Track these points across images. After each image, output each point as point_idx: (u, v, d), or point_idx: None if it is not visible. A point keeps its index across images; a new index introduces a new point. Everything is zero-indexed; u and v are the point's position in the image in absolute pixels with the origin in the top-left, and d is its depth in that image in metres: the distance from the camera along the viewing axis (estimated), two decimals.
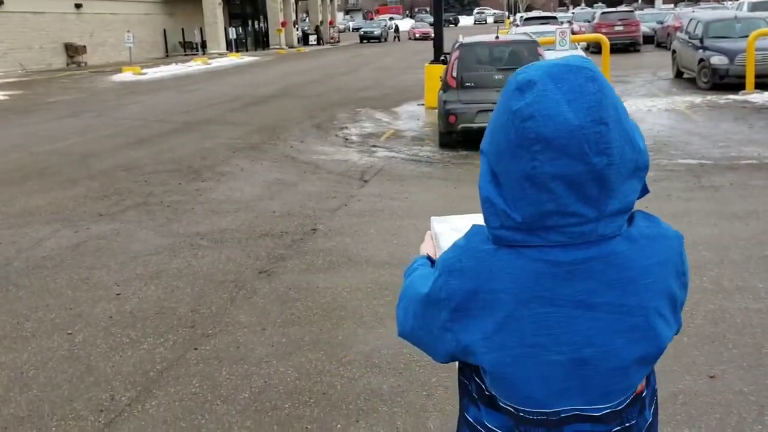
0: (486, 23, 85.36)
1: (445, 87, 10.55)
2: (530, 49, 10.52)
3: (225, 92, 19.80)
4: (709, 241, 5.75)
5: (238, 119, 14.37)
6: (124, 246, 6.19)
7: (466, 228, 1.57)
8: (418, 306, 1.24)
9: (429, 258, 1.49)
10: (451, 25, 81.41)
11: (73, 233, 6.62)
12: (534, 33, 13.74)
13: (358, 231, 6.53)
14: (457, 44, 10.94)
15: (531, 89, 1.06)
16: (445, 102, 10.31)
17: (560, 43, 14.33)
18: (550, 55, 11.07)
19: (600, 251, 1.10)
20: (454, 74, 10.38)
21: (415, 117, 14.04)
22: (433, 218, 1.64)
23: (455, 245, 1.20)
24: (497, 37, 10.95)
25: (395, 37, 54.31)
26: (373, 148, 10.87)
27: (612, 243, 1.11)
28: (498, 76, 10.32)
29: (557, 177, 1.05)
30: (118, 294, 5.04)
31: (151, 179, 8.91)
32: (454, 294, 1.15)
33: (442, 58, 13.54)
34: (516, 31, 17.07)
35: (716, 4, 46.33)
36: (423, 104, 15.15)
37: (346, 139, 11.73)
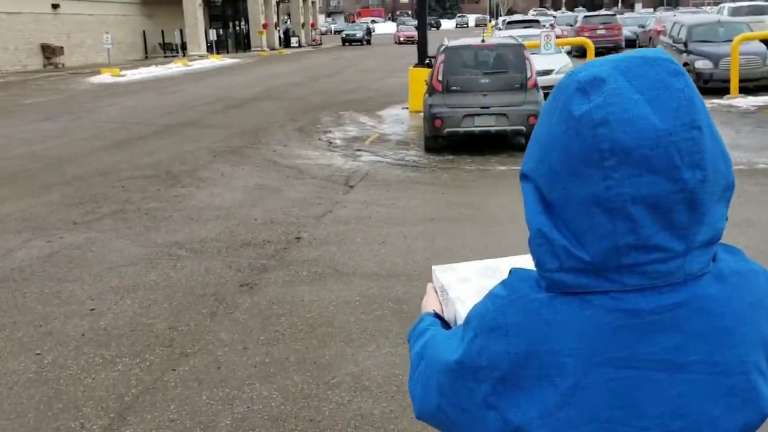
0: (468, 26, 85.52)
1: (431, 91, 10.37)
2: (516, 52, 10.36)
3: (206, 94, 19.47)
4: None
5: (219, 122, 14.08)
6: (99, 256, 5.90)
7: (476, 278, 1.32)
8: (444, 378, 0.98)
9: (437, 315, 1.25)
10: (433, 29, 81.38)
11: (45, 243, 6.31)
12: (518, 37, 13.56)
13: (344, 239, 6.30)
14: (443, 48, 10.76)
15: (599, 89, 0.83)
16: (430, 106, 10.14)
17: (545, 46, 14.20)
18: (535, 59, 10.91)
19: (688, 295, 0.87)
20: (440, 78, 10.19)
21: (400, 121, 13.85)
22: (435, 267, 1.39)
23: (493, 295, 0.95)
24: (483, 41, 10.77)
25: (367, 40, 53.98)
26: (358, 153, 10.66)
27: (701, 284, 0.88)
28: (484, 80, 10.18)
29: (638, 199, 0.82)
30: (91, 309, 4.76)
31: (128, 185, 8.60)
32: (498, 360, 0.90)
33: (427, 61, 13.34)
34: (500, 35, 16.90)
35: (695, 9, 46.71)
36: (407, 108, 14.97)
37: (330, 143, 11.51)
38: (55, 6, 33.43)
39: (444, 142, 10.35)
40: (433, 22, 78.70)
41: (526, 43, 11.69)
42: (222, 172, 9.33)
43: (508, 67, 10.30)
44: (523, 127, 9.98)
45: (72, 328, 4.46)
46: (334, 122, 13.76)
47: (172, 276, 5.39)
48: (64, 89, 22.04)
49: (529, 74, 10.10)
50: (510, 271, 0.97)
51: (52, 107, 17.20)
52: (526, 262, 1.37)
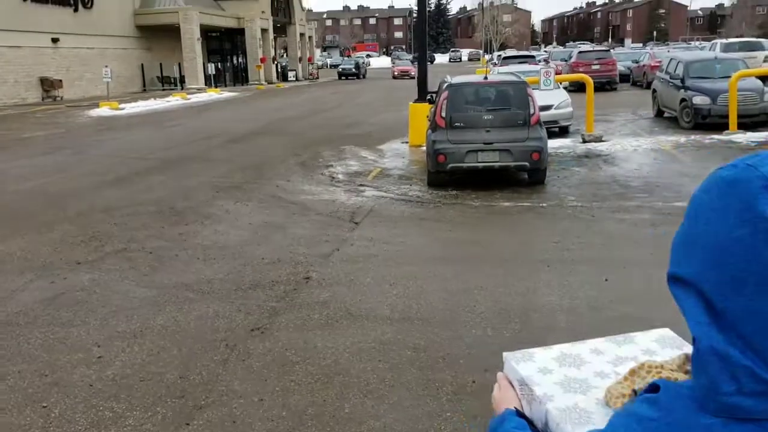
0: (461, 61, 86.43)
1: (434, 127, 10.34)
2: (519, 89, 10.35)
3: (205, 128, 19.41)
4: None
5: (220, 157, 13.99)
6: (105, 299, 5.72)
7: (558, 368, 1.18)
8: None
9: (519, 414, 1.11)
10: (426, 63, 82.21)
11: (48, 284, 6.13)
12: (518, 73, 13.60)
13: (354, 280, 6.15)
14: (446, 84, 10.74)
15: None
16: (434, 142, 10.09)
17: (545, 82, 14.23)
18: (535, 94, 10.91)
19: None
20: (443, 114, 10.16)
21: (401, 155, 13.79)
22: (507, 355, 1.24)
23: (638, 416, 0.80)
24: (486, 78, 10.77)
25: (363, 75, 54.60)
26: (361, 188, 10.55)
27: None
28: (487, 116, 10.15)
29: None
30: (99, 357, 4.57)
31: (131, 222, 8.45)
32: None
33: (429, 97, 13.32)
34: (498, 71, 16.96)
35: (686, 45, 47.28)
36: (407, 142, 14.94)
37: (333, 178, 11.41)
38: (55, 40, 33.53)
39: (447, 177, 10.28)
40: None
41: (525, 79, 11.71)
42: (226, 208, 9.20)
43: (511, 103, 10.29)
44: (526, 163, 9.94)
45: (79, 377, 4.28)
46: (336, 156, 13.69)
47: (180, 320, 5.21)
48: (63, 123, 21.95)
49: (532, 111, 10.08)
50: (655, 385, 0.84)
51: (51, 141, 17.09)
52: (606, 348, 1.24)
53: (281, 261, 6.75)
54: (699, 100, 14.94)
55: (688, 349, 1.11)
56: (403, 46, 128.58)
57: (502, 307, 5.36)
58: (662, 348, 1.21)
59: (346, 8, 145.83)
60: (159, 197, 9.97)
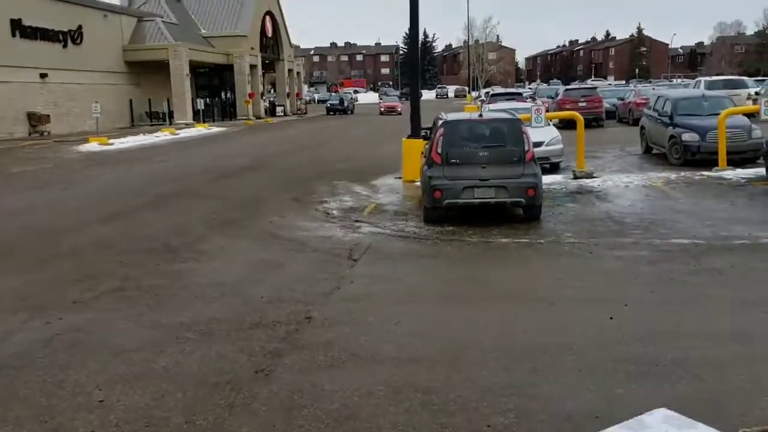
0: (447, 97, 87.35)
1: (430, 163, 10.36)
2: (513, 126, 10.42)
3: (195, 164, 19.39)
4: (734, 333, 5.42)
5: (212, 192, 13.93)
6: (103, 340, 5.58)
7: None
8: None
9: None
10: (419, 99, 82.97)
11: (44, 324, 5.98)
12: (510, 110, 13.71)
13: (357, 319, 6.05)
14: (441, 121, 10.79)
15: None
16: (430, 178, 10.10)
17: (536, 120, 14.38)
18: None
19: None
20: (440, 150, 10.19)
21: (395, 190, 13.80)
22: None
23: None
24: (481, 115, 10.85)
25: (351, 110, 55.24)
26: (357, 224, 10.50)
27: None
28: (483, 153, 10.18)
29: None
30: (100, 401, 4.43)
31: (126, 259, 8.32)
32: None
33: (424, 133, 13.38)
34: (488, 108, 17.10)
35: (669, 82, 48.12)
36: (401, 178, 14.96)
37: (328, 214, 11.36)
38: (43, 75, 33.51)
39: (443, 213, 10.27)
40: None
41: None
42: (221, 245, 9.10)
43: (506, 140, 10.34)
44: (522, 199, 9.96)
45: (81, 423, 4.13)
46: (329, 192, 13.66)
47: (182, 362, 5.09)
48: (52, 158, 21.80)
49: (526, 148, 10.13)
50: None
51: (41, 176, 16.95)
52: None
53: (281, 300, 6.64)
54: (688, 137, 15.12)
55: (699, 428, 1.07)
56: (390, 82, 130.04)
57: (510, 346, 5.28)
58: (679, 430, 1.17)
59: (333, 45, 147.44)
60: (153, 234, 9.85)
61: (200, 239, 9.46)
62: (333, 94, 72.06)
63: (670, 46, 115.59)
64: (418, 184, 13.38)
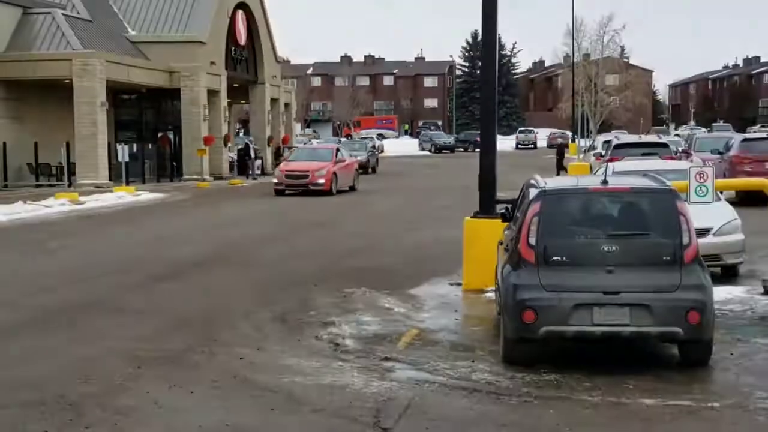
0: (535, 147, 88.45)
1: (516, 262, 10.43)
2: (663, 203, 10.43)
3: (114, 255, 19.69)
4: None
5: (141, 304, 14.07)
6: None
7: None
8: None
9: None
10: (470, 148, 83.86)
11: None
12: (653, 172, 13.74)
13: None
14: (537, 191, 10.82)
15: None
16: (516, 287, 10.16)
17: (697, 191, 14.27)
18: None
19: None
20: (533, 241, 10.21)
21: (450, 306, 13.86)
22: None
23: None
24: (605, 182, 10.83)
25: (373, 167, 56.10)
26: (387, 363, 10.47)
27: None
28: (609, 247, 10.12)
29: None
30: None
31: None
32: None
33: (502, 210, 13.36)
34: (616, 170, 17.09)
35: None
36: (460, 284, 15.03)
37: (337, 345, 11.37)
38: None
39: (539, 348, 10.22)
40: (473, 139, 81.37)
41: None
42: (155, 398, 9.05)
43: (649, 226, 10.41)
44: (678, 329, 9.86)
45: None
46: (338, 306, 13.74)
47: None
48: None
49: (686, 240, 10.09)
50: None
51: None
52: None
53: None
54: None
55: None
56: (439, 122, 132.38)
57: None
58: None
59: (346, 58, 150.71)
60: (40, 377, 9.84)
61: (120, 388, 9.43)
62: (344, 139, 73.38)
63: None
64: (492, 296, 13.32)
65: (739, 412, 8.53)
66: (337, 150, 39.72)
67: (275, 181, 37.71)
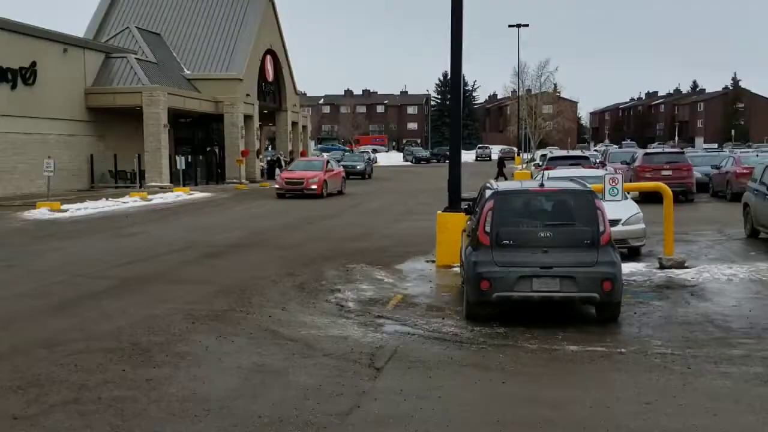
0: (490, 160, 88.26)
1: (476, 244, 10.41)
2: (584, 200, 10.47)
3: (174, 238, 19.61)
4: None
5: (195, 276, 14.04)
6: None
7: None
8: None
9: None
10: (446, 161, 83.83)
11: None
12: (577, 178, 13.77)
13: None
14: (491, 191, 10.85)
15: None
16: (476, 263, 10.15)
17: (610, 192, 14.36)
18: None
19: None
20: (488, 229, 10.24)
21: (426, 278, 13.83)
22: None
23: None
24: (542, 185, 10.86)
25: (369, 174, 55.43)
26: (379, 320, 10.50)
27: None
28: (545, 233, 10.20)
29: None
30: None
31: (82, 362, 8.29)
32: None
33: (465, 206, 13.44)
34: (550, 176, 17.15)
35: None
36: (434, 261, 15.03)
37: (342, 307, 11.36)
38: None
39: (492, 309, 10.23)
40: (447, 153, 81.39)
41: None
42: (206, 345, 9.07)
43: (574, 217, 10.42)
44: (595, 294, 9.93)
45: None
46: (343, 278, 13.69)
47: None
48: None
49: (602, 228, 10.15)
50: None
51: None
52: None
53: (283, 421, 6.55)
54: None
55: None
56: (418, 140, 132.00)
57: None
58: None
59: (348, 92, 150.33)
60: (118, 328, 9.85)
61: (179, 337, 9.44)
62: (347, 153, 73.23)
63: None
64: (457, 270, 13.37)
65: (640, 356, 8.61)
66: (327, 161, 37.54)
67: (276, 186, 35.70)
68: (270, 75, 56.03)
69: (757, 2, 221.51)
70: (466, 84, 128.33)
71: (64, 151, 38.85)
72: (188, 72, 49.73)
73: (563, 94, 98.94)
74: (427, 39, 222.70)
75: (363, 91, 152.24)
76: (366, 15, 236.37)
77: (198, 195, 35.74)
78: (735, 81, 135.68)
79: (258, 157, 51.08)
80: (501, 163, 51.10)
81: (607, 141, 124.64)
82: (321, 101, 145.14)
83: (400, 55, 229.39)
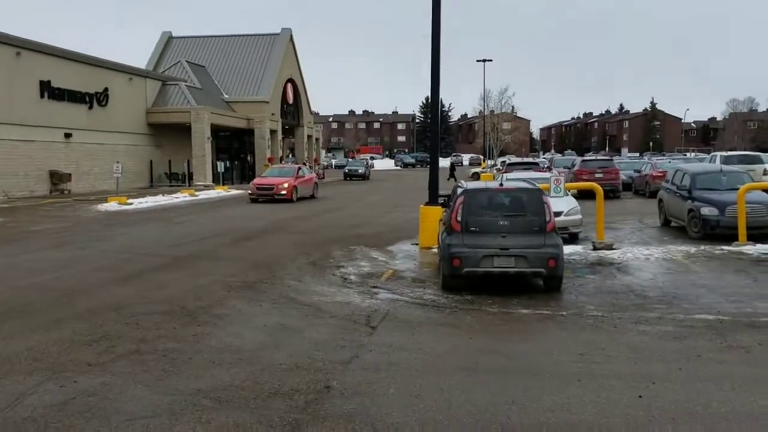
0: (462, 165, 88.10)
1: (449, 230, 10.34)
2: (534, 196, 10.40)
3: (214, 226, 19.46)
4: None
5: (231, 255, 13.93)
6: (118, 405, 5.44)
7: None
8: None
9: None
10: (428, 167, 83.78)
11: (58, 387, 5.86)
12: (529, 179, 13.74)
13: (377, 390, 5.89)
14: (461, 189, 10.80)
15: None
16: (449, 245, 10.06)
17: (554, 190, 14.41)
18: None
19: None
20: (459, 218, 10.17)
21: (412, 257, 13.72)
22: None
23: None
24: (501, 184, 10.84)
25: (367, 176, 54.77)
26: (375, 290, 10.41)
27: None
28: (503, 222, 10.14)
29: None
30: None
31: (142, 321, 8.24)
32: None
33: (442, 201, 13.41)
34: (507, 177, 17.16)
35: (682, 156, 48.33)
36: (417, 244, 14.93)
37: (345, 279, 11.28)
38: (68, 135, 34.23)
39: (462, 281, 10.17)
40: (428, 159, 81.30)
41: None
42: (239, 308, 9.01)
43: (526, 209, 10.32)
44: (543, 270, 9.87)
45: None
46: (346, 257, 13.60)
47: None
48: (72, 216, 22.02)
49: (548, 218, 10.09)
50: None
51: (60, 235, 17.06)
52: None
53: (299, 367, 6.50)
54: (707, 211, 15.02)
55: None
56: (406, 149, 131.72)
57: (536, 423, 5.10)
58: None
59: (352, 112, 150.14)
60: (170, 295, 9.79)
61: (218, 302, 9.38)
62: (350, 159, 72.98)
63: (683, 121, 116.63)
64: (436, 251, 13.32)
65: (577, 317, 8.59)
66: (299, 168, 32.32)
67: (249, 192, 29.74)
68: (290, 98, 55.80)
69: (668, 41, 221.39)
70: (443, 106, 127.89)
71: (129, 158, 38.71)
72: (226, 96, 49.62)
73: (519, 114, 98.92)
74: (415, 69, 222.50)
75: (363, 111, 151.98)
76: (365, 53, 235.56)
77: (234, 192, 35.52)
78: (653, 104, 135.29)
79: (281, 162, 50.89)
80: (452, 167, 51.16)
81: (553, 151, 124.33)
82: (330, 119, 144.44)
83: (392, 82, 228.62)
